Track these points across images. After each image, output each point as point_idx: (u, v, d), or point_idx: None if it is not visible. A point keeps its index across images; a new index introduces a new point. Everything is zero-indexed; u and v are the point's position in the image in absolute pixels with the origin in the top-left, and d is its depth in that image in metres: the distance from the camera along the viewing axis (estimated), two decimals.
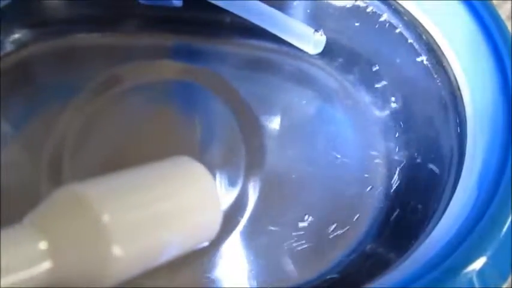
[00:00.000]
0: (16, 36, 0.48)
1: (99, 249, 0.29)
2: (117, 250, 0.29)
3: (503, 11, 0.54)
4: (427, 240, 0.33)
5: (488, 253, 0.30)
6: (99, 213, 0.29)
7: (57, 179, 0.41)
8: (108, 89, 0.47)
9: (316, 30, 0.45)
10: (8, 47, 0.47)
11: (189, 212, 0.34)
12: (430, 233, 0.34)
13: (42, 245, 0.28)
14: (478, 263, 0.30)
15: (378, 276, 0.32)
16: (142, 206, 0.32)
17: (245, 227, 0.41)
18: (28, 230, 0.28)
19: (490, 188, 0.34)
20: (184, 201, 0.34)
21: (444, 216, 0.34)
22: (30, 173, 0.42)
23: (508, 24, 0.41)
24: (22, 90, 0.46)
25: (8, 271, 0.26)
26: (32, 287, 0.28)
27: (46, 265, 0.28)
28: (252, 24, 0.45)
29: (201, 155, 0.43)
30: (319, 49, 0.46)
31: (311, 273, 0.40)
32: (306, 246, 0.41)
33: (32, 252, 0.28)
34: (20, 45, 0.48)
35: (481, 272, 0.30)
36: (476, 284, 0.29)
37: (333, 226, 0.42)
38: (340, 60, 0.49)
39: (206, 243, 0.37)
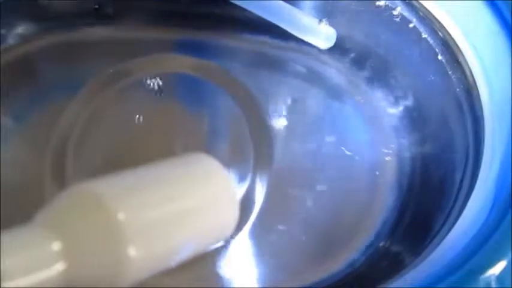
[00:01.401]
0: (19, 30, 0.47)
1: (114, 249, 0.28)
2: (132, 250, 0.28)
3: None
4: (444, 242, 0.32)
5: (509, 257, 0.29)
6: (114, 212, 0.28)
7: (61, 174, 0.41)
8: (113, 84, 0.46)
9: (320, 20, 0.44)
10: (11, 40, 0.47)
11: (205, 211, 0.34)
12: (446, 233, 0.33)
13: (56, 246, 0.27)
14: (498, 268, 0.29)
15: (394, 277, 0.32)
16: (158, 205, 0.31)
17: (253, 224, 0.41)
18: (40, 230, 0.27)
19: (510, 189, 0.33)
20: (201, 199, 0.34)
21: (461, 217, 0.33)
22: (34, 169, 0.41)
23: None
24: (25, 84, 0.45)
25: (21, 273, 0.26)
26: None
27: (60, 266, 0.27)
28: (261, 18, 0.44)
29: (208, 150, 0.42)
30: (330, 44, 0.45)
31: (322, 273, 0.39)
32: (316, 244, 0.40)
33: (45, 253, 0.27)
34: (24, 39, 0.47)
35: (500, 277, 0.29)
36: None
37: (344, 224, 0.41)
38: (352, 55, 0.49)
39: (222, 243, 0.37)
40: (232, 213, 0.35)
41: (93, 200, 0.29)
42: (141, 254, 0.29)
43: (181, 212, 0.32)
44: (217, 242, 0.37)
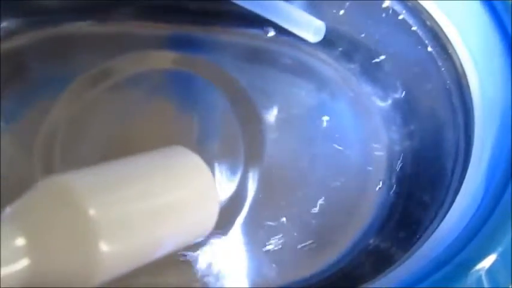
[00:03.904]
0: (3, 25, 0.46)
1: (84, 245, 0.27)
2: (104, 246, 0.28)
3: None
4: (433, 236, 0.32)
5: (499, 250, 0.29)
6: (85, 207, 0.28)
7: (50, 171, 0.40)
8: (102, 81, 0.46)
9: None
10: None
11: (183, 205, 0.33)
12: (436, 228, 0.33)
13: (19, 242, 0.26)
14: (488, 261, 0.29)
15: (383, 272, 0.31)
16: (133, 199, 0.30)
17: (244, 220, 0.40)
18: (5, 226, 0.27)
19: (500, 182, 0.32)
20: (178, 193, 0.33)
21: (451, 211, 0.33)
22: (23, 166, 0.41)
23: None
24: (11, 82, 0.45)
25: None
26: (11, 285, 0.26)
27: (23, 263, 0.26)
28: (250, 12, 0.44)
29: (199, 146, 0.42)
30: (319, 37, 0.45)
31: (312, 269, 0.39)
32: (306, 241, 0.40)
33: (8, 249, 0.26)
34: (8, 34, 0.46)
35: (490, 271, 0.29)
36: (485, 283, 0.28)
37: (334, 220, 0.41)
38: (341, 49, 0.48)
39: (201, 238, 0.36)
40: (212, 208, 0.34)
41: (63, 193, 0.28)
42: (113, 251, 0.28)
43: (158, 206, 0.31)
44: (197, 237, 0.36)
